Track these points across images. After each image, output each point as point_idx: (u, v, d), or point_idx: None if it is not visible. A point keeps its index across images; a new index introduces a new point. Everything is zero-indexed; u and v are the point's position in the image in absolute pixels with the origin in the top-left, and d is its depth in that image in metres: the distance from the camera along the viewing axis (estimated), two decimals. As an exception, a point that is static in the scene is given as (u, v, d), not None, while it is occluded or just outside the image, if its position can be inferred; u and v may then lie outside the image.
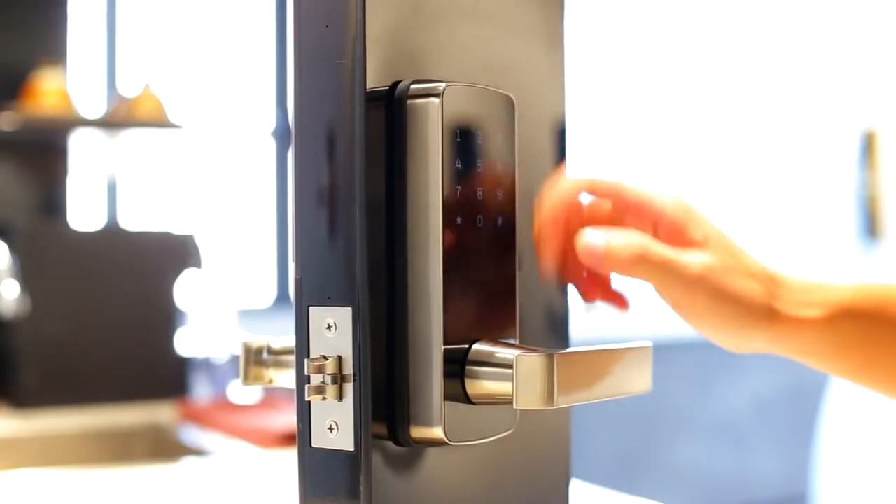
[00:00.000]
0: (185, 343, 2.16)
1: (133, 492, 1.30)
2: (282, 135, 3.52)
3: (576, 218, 0.70)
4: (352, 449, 0.62)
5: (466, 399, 0.65)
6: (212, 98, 3.52)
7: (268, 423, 1.77)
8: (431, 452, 0.67)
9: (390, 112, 0.65)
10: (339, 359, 0.63)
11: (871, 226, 4.35)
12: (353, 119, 0.63)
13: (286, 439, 1.67)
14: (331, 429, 0.63)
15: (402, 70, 0.66)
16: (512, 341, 0.68)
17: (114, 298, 2.09)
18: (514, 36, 0.76)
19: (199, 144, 3.06)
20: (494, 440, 0.68)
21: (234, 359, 2.08)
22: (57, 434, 1.89)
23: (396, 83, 0.65)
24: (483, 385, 0.64)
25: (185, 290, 2.18)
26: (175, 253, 2.15)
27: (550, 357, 0.61)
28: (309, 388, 0.63)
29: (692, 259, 0.67)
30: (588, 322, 1.55)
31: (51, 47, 2.43)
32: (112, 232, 2.58)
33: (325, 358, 0.63)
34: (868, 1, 4.34)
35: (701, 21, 4.15)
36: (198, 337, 2.19)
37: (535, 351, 0.63)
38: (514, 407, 0.62)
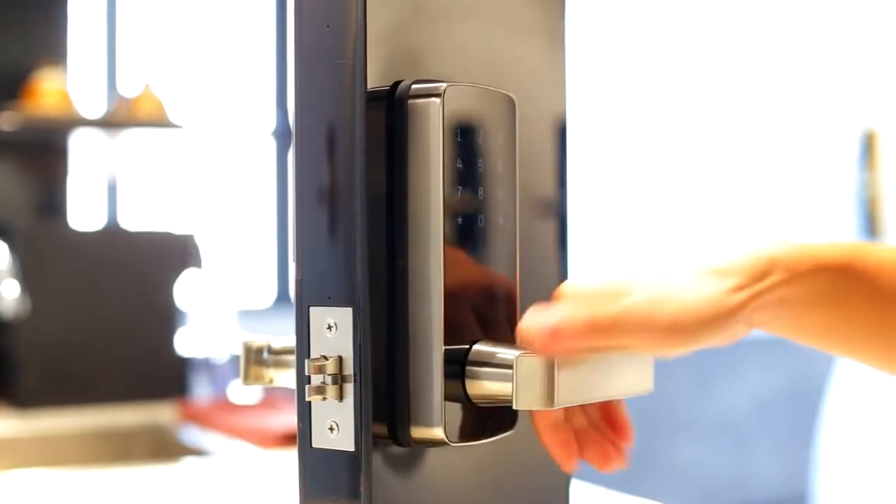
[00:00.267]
0: (185, 343, 2.16)
1: (133, 492, 1.30)
2: (282, 135, 3.52)
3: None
4: (352, 449, 0.62)
5: (467, 399, 0.65)
6: (212, 98, 3.52)
7: (268, 424, 1.77)
8: (432, 453, 0.67)
9: (391, 112, 0.64)
10: (340, 359, 0.63)
11: (871, 226, 4.34)
12: (354, 119, 0.63)
13: (286, 439, 1.67)
14: (331, 429, 0.63)
15: (402, 70, 0.66)
16: (512, 342, 0.67)
17: (114, 298, 2.09)
18: (515, 36, 0.76)
19: (199, 144, 3.06)
20: (494, 440, 0.68)
21: (235, 359, 2.08)
22: (57, 434, 1.89)
23: (397, 83, 0.65)
24: (483, 385, 0.64)
25: (186, 290, 2.18)
26: (175, 253, 2.15)
27: (551, 357, 0.61)
28: (309, 388, 0.63)
29: (635, 299, 0.62)
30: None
31: (51, 47, 2.43)
32: (112, 232, 2.58)
33: (325, 358, 0.63)
34: (868, 1, 4.34)
35: (701, 21, 4.15)
36: (198, 337, 2.19)
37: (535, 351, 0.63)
38: (515, 407, 0.62)
